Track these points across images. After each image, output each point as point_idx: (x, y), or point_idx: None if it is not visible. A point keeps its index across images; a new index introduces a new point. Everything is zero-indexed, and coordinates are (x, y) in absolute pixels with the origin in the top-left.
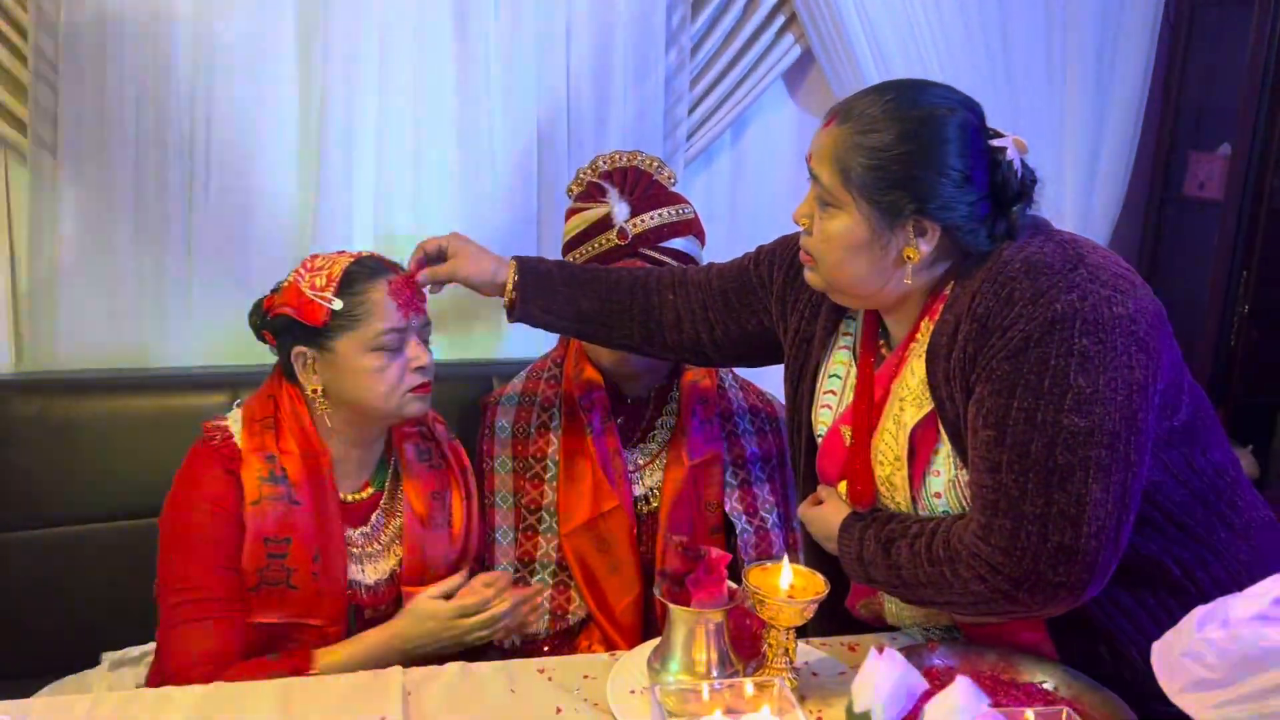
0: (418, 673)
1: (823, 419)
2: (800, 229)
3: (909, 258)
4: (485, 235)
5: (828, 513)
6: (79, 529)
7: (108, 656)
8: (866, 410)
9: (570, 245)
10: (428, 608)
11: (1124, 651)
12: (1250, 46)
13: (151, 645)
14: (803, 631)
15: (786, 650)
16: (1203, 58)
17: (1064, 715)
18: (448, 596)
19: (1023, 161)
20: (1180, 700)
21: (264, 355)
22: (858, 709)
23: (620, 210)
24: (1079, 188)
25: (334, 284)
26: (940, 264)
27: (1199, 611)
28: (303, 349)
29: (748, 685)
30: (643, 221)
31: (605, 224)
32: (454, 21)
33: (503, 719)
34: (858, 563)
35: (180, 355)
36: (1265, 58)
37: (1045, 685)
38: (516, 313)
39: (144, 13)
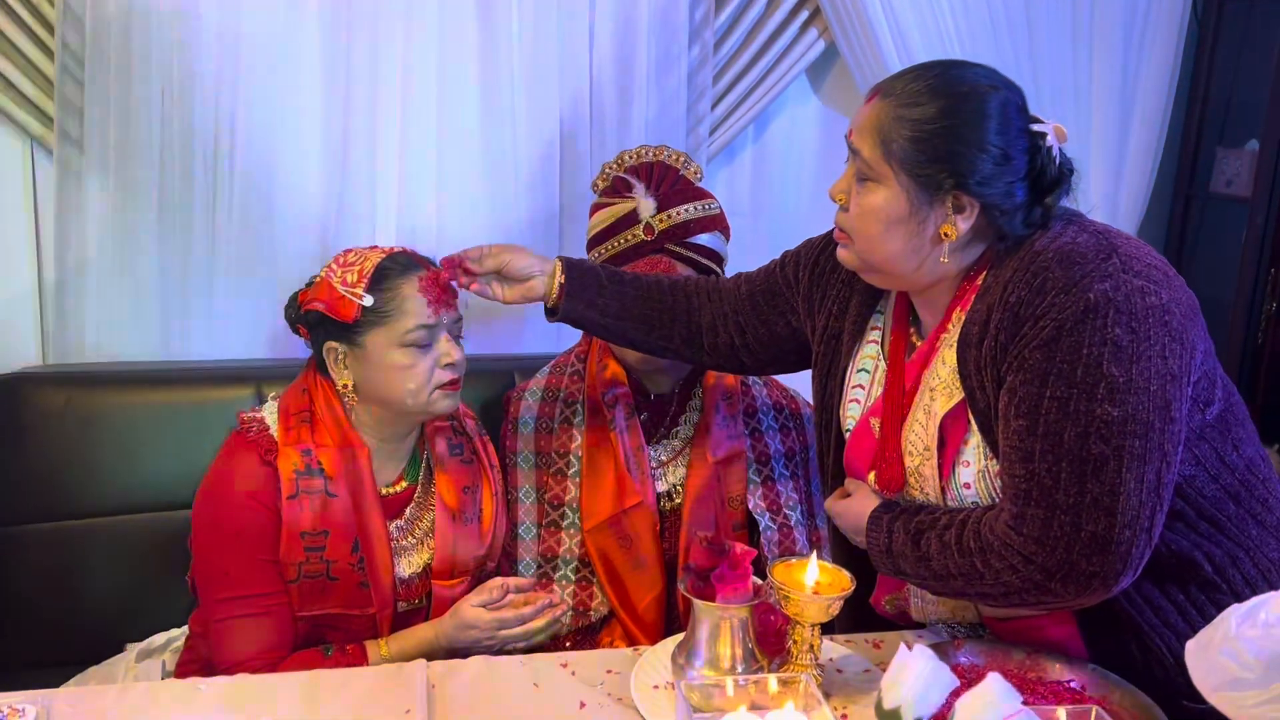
0: (441, 666)
1: (851, 413)
2: (833, 220)
3: (945, 235)
4: (508, 230)
5: (856, 505)
6: (103, 520)
7: (132, 646)
8: (897, 400)
9: (596, 240)
10: (470, 616)
11: (1153, 647)
12: (1278, 40)
13: (175, 633)
14: (828, 628)
15: (811, 647)
16: (1231, 52)
17: (1094, 714)
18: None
19: (1061, 150)
20: (1215, 699)
21: (288, 349)
22: (887, 705)
23: (647, 205)
24: (1105, 183)
25: (365, 280)
26: (974, 248)
27: (1237, 609)
28: (334, 344)
29: (773, 681)
30: (670, 217)
31: (632, 219)
32: (477, 17)
33: (526, 714)
34: (886, 555)
35: (204, 349)
36: None
37: (1073, 684)
38: (561, 310)
39: (170, 9)
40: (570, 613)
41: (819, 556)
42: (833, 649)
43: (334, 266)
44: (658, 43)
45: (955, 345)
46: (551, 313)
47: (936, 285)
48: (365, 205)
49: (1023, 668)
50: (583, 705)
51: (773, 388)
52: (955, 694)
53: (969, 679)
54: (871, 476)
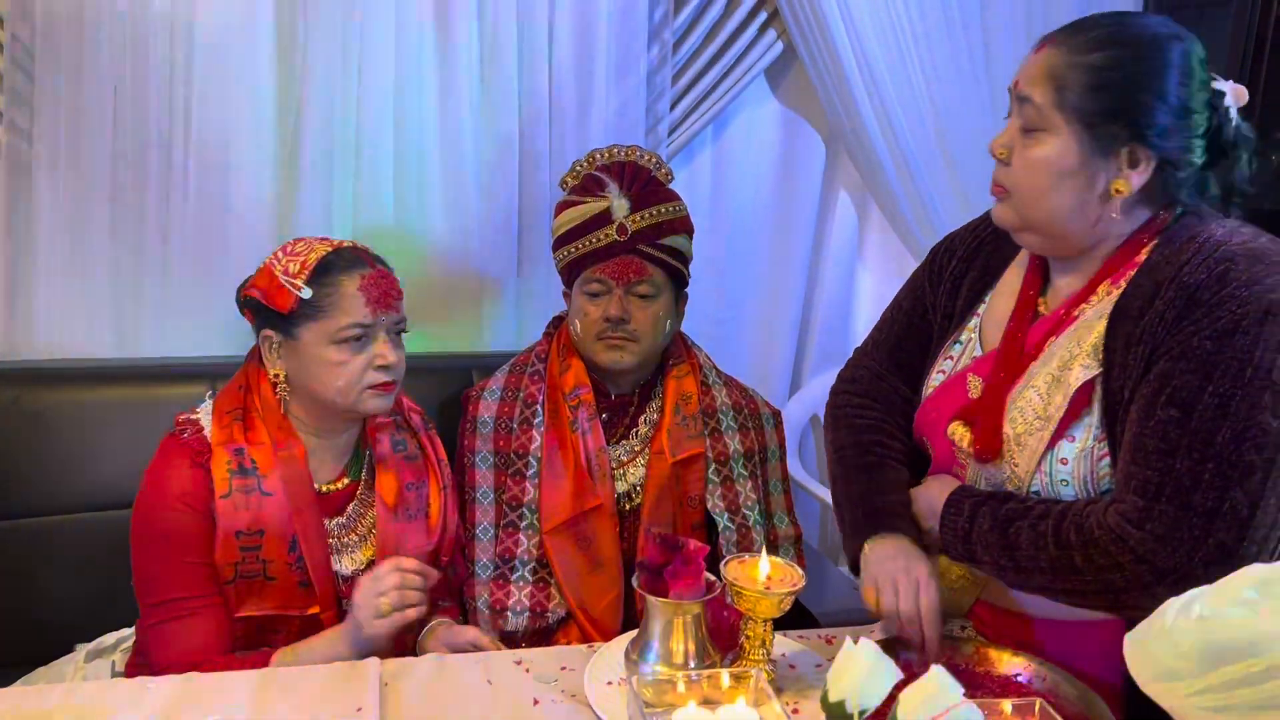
0: (394, 664)
1: (941, 367)
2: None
3: (1117, 191)
4: (465, 228)
5: (931, 487)
6: (54, 519)
7: (82, 647)
8: (1014, 361)
9: (564, 239)
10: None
11: None
12: (1228, 47)
13: (126, 632)
14: (781, 624)
15: (764, 642)
16: None
17: (1037, 706)
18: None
19: (1239, 116)
20: (1150, 689)
21: (242, 345)
22: (833, 698)
23: (621, 205)
24: None
25: (307, 271)
26: (1140, 212)
27: (1174, 603)
28: (270, 332)
29: (725, 676)
30: (642, 218)
31: (604, 219)
32: (434, 14)
33: (480, 711)
34: (962, 540)
35: (156, 346)
36: (1241, 57)
37: (1020, 678)
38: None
39: (122, 3)
40: (525, 613)
41: (772, 554)
42: (786, 645)
43: (279, 254)
44: (617, 42)
45: (1107, 316)
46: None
47: (1091, 252)
48: (321, 202)
49: (971, 661)
50: (536, 702)
51: (732, 389)
52: (900, 686)
53: (916, 673)
54: (956, 430)
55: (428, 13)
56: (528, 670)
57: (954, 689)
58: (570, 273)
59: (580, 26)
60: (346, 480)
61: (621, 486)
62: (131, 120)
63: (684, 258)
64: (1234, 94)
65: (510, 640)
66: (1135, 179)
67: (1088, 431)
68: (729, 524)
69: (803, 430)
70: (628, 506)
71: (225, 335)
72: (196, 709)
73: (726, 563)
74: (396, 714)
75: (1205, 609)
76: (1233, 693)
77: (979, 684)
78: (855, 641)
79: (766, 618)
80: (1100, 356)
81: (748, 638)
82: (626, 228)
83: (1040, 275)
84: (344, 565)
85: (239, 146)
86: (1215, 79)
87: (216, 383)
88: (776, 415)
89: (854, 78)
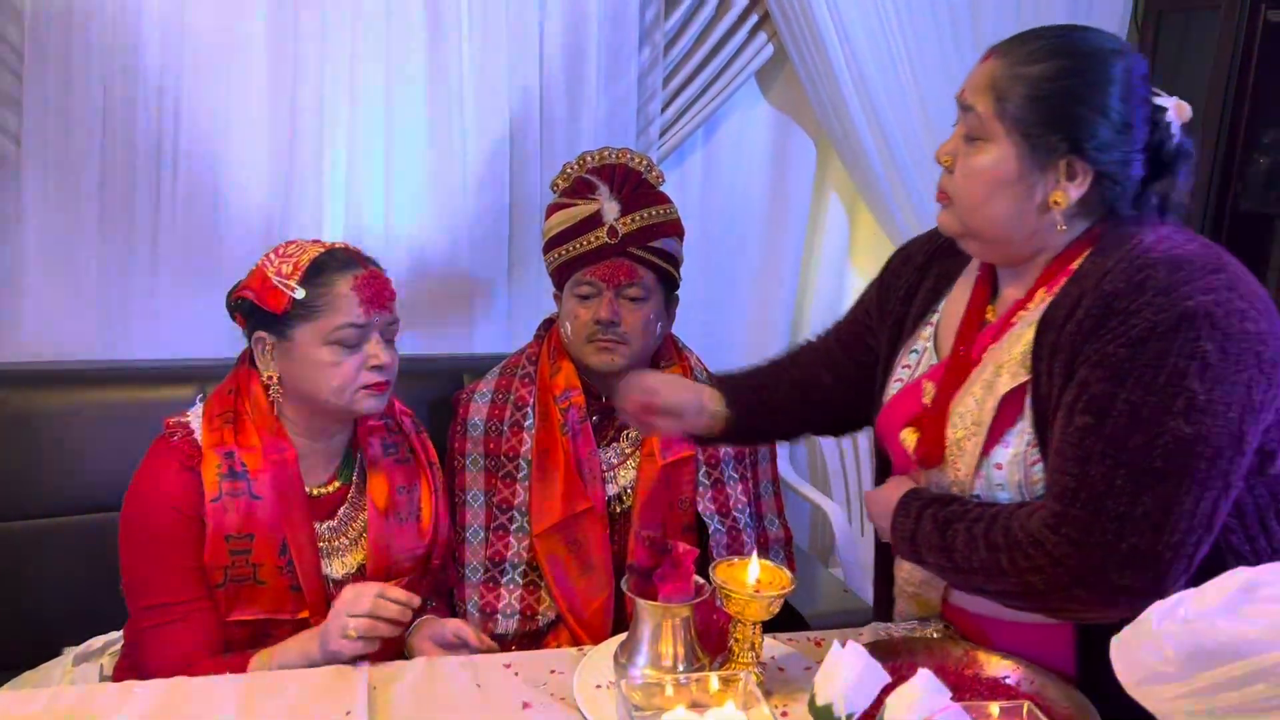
0: (383, 668)
1: (899, 375)
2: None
3: (1055, 203)
4: (456, 230)
5: (887, 490)
6: (41, 522)
7: (70, 650)
8: (961, 368)
9: (555, 241)
10: (334, 647)
11: None
12: (1215, 51)
13: (114, 636)
14: (770, 626)
15: (753, 645)
16: (1169, 62)
17: (1025, 709)
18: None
19: (1181, 131)
20: (1137, 693)
21: (231, 348)
22: (820, 702)
23: (611, 208)
24: None
25: (300, 272)
26: (1078, 224)
27: (1158, 607)
28: (263, 334)
29: (713, 679)
30: (633, 220)
31: (595, 221)
32: (426, 15)
33: (469, 714)
34: (909, 542)
35: (146, 348)
36: (1230, 62)
37: (1008, 679)
38: (733, 433)
39: (112, 3)
40: (515, 616)
41: (763, 556)
42: (775, 647)
43: (271, 256)
44: (608, 44)
45: (1035, 324)
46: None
47: (1031, 260)
48: (312, 203)
49: (960, 664)
50: (526, 706)
51: None
52: (887, 690)
53: (904, 676)
54: (906, 436)
55: (418, 13)
56: (517, 674)
57: (940, 692)
58: (561, 275)
59: (571, 28)
60: (337, 484)
61: (612, 489)
62: (121, 121)
63: (675, 260)
64: (1176, 110)
65: (500, 643)
66: (1073, 191)
67: (1021, 438)
68: (719, 526)
69: None
70: (618, 509)
71: (215, 337)
72: (183, 713)
73: (715, 566)
74: (385, 717)
75: (1190, 613)
76: (1217, 696)
77: (967, 686)
78: (843, 645)
79: (755, 620)
80: (1028, 364)
81: (736, 640)
82: (617, 230)
83: (990, 283)
84: (334, 569)
85: (230, 148)
86: (1158, 94)
87: (206, 385)
88: None
89: (844, 80)
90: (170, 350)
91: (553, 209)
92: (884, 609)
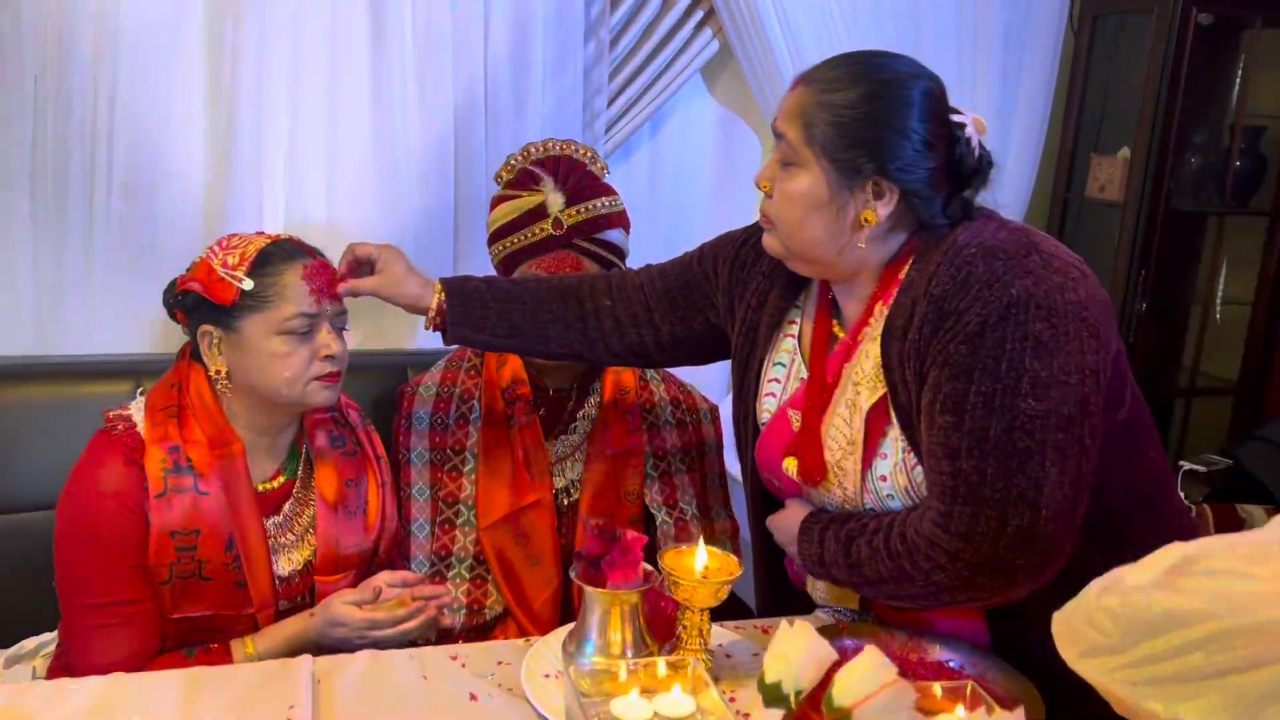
0: (327, 661)
1: (767, 406)
2: (754, 222)
3: (865, 221)
4: (401, 223)
5: (789, 515)
6: None
7: (1, 652)
8: (819, 393)
9: (500, 234)
10: (340, 613)
11: (1049, 646)
12: (1148, 53)
13: (47, 637)
14: (719, 615)
15: (701, 631)
16: (1103, 64)
17: (969, 688)
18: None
19: (980, 142)
20: (1077, 665)
21: (170, 343)
22: (769, 679)
23: (556, 199)
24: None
25: (247, 263)
26: (895, 238)
27: (1098, 582)
28: (209, 328)
29: (661, 665)
30: (578, 212)
31: (540, 213)
32: (369, 6)
33: (415, 707)
34: (819, 564)
35: (80, 343)
36: (1162, 64)
37: (951, 663)
38: (449, 336)
39: None
40: (462, 610)
41: (708, 544)
42: (723, 635)
43: (215, 249)
44: (553, 38)
45: (879, 338)
46: (443, 337)
47: (859, 275)
48: (252, 197)
49: (905, 649)
50: (473, 697)
51: (670, 384)
52: (835, 668)
53: (851, 655)
54: (789, 464)
55: (362, 5)
56: (464, 665)
57: (887, 667)
58: (506, 267)
59: (516, 22)
60: (283, 478)
61: (559, 482)
62: (54, 111)
63: (620, 252)
64: (974, 125)
65: (447, 637)
66: (882, 209)
67: (895, 446)
68: (666, 519)
69: None
70: (566, 502)
71: (152, 333)
72: (121, 710)
73: (664, 553)
74: (330, 712)
75: (1128, 587)
76: (1155, 666)
77: (912, 670)
78: (791, 623)
79: (703, 607)
80: (883, 377)
81: (685, 628)
82: (562, 222)
83: (829, 301)
84: (280, 565)
85: (167, 140)
86: (957, 112)
87: (142, 380)
88: (713, 410)
89: (789, 76)
90: (105, 346)
91: (497, 201)
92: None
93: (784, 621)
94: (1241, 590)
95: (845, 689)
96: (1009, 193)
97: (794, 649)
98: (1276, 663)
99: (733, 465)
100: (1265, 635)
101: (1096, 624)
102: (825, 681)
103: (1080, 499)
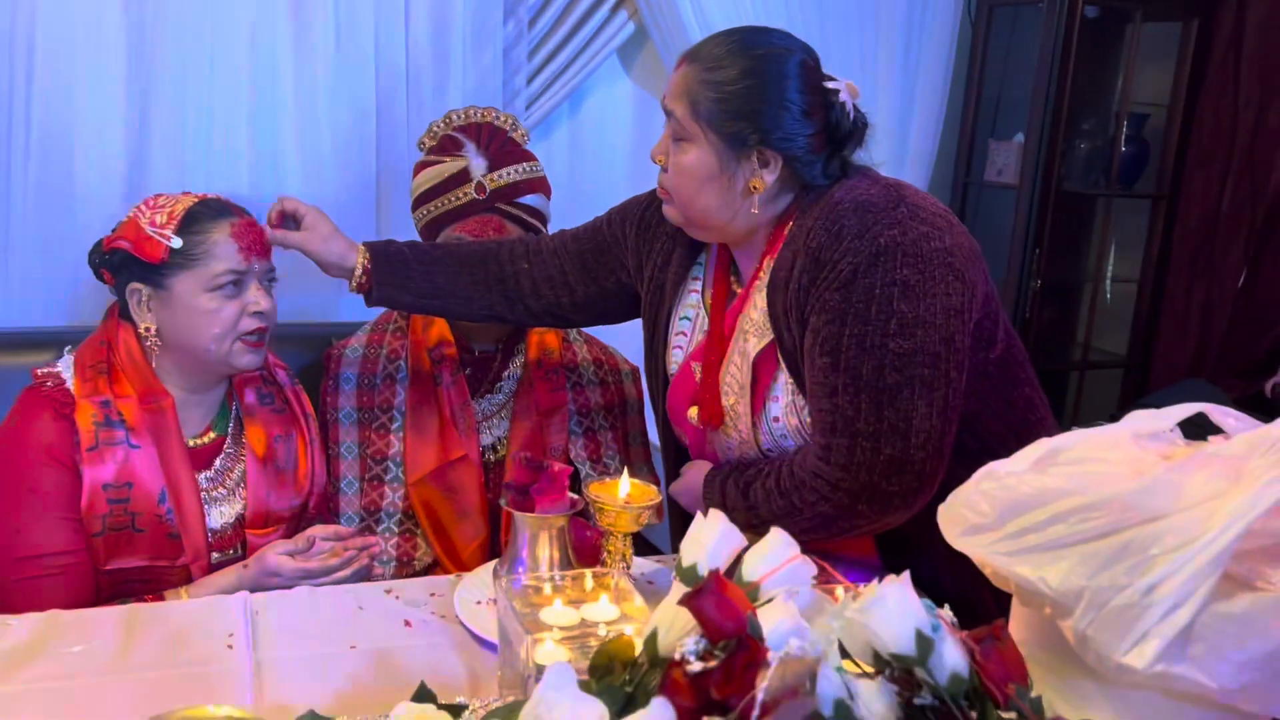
0: (264, 596)
1: (674, 359)
2: (658, 175)
3: (755, 188)
4: (323, 196)
5: (690, 476)
6: None
7: None
8: (717, 344)
9: (423, 198)
10: (274, 563)
11: (938, 572)
12: (1040, 44)
13: None
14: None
15: (624, 556)
16: (1000, 53)
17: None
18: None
19: (855, 106)
20: (959, 543)
21: (91, 314)
22: (686, 564)
23: (478, 165)
24: (888, 171)
25: (175, 221)
26: (783, 199)
27: (980, 471)
28: (138, 286)
29: (589, 578)
30: (501, 177)
31: (463, 178)
32: None
33: (352, 634)
34: (724, 513)
35: (1, 315)
36: (1053, 54)
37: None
38: (373, 297)
39: None
40: (392, 562)
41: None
42: (645, 565)
43: (143, 208)
44: (473, 17)
45: (765, 290)
46: (366, 299)
47: (751, 236)
48: (174, 170)
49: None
50: (408, 624)
51: (592, 345)
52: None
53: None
54: (692, 413)
55: None
56: (398, 598)
57: (791, 545)
58: (430, 232)
59: (437, 1)
60: (213, 434)
61: (486, 439)
62: None
63: (543, 217)
64: (847, 90)
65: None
66: (768, 176)
67: (786, 389)
68: (591, 472)
69: None
70: (492, 459)
71: (72, 305)
72: (61, 642)
73: (589, 483)
74: (269, 642)
75: (1003, 474)
76: (1024, 538)
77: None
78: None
79: (626, 532)
80: (769, 325)
81: (609, 553)
82: (485, 186)
83: (728, 260)
84: (213, 519)
85: (84, 113)
86: (831, 80)
87: (64, 351)
88: (635, 371)
89: None
90: (24, 318)
91: (420, 166)
92: None
93: (698, 513)
94: (1096, 472)
95: (754, 566)
96: (910, 176)
97: (708, 535)
98: (1122, 530)
99: (651, 431)
100: (1113, 507)
101: (975, 506)
102: (737, 563)
103: (948, 429)
